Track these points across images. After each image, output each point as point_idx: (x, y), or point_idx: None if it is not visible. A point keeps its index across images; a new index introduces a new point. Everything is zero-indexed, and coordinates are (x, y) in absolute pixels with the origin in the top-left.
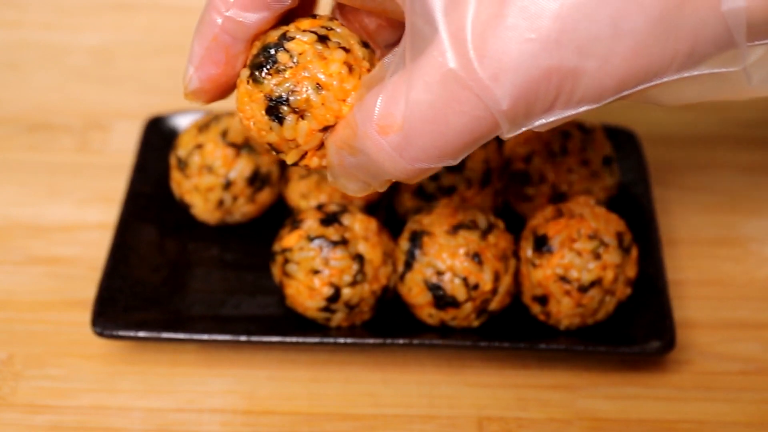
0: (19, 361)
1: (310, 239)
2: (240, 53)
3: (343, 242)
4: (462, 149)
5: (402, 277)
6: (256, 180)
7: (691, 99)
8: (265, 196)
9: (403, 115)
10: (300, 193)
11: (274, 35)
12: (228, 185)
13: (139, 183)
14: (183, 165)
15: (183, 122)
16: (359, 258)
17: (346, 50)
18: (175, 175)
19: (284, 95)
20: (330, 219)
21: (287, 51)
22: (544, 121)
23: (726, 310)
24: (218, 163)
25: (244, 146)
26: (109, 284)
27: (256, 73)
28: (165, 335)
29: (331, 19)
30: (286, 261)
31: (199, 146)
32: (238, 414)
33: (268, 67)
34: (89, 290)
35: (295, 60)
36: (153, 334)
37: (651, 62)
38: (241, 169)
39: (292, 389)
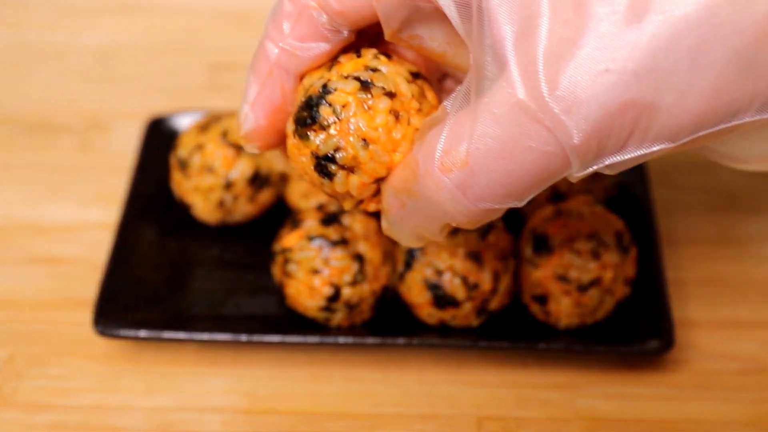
0: (21, 361)
1: (310, 239)
2: (295, 90)
3: (343, 242)
4: (529, 189)
5: (402, 277)
6: (257, 180)
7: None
8: (265, 196)
9: (467, 150)
10: (300, 193)
11: (316, 84)
12: (228, 185)
13: (139, 183)
14: (183, 165)
15: (184, 123)
16: (359, 258)
17: (392, 95)
18: (176, 176)
19: (330, 153)
20: (330, 219)
21: (330, 105)
22: (616, 159)
23: (725, 309)
24: (219, 163)
25: None
26: (110, 284)
27: (300, 128)
28: (166, 335)
29: (377, 54)
30: (286, 261)
31: (200, 146)
32: (238, 413)
33: (311, 123)
34: (90, 290)
35: (338, 114)
36: (154, 333)
37: (731, 99)
38: (242, 169)
39: (293, 388)
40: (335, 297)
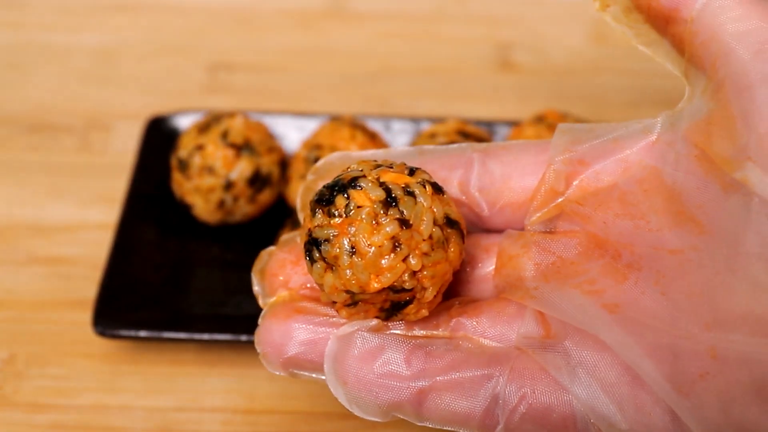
0: (21, 361)
1: None
2: None
3: None
4: None
5: None
6: (257, 181)
7: None
8: (265, 196)
9: None
10: None
11: (353, 172)
12: (229, 186)
13: (140, 183)
14: (184, 166)
15: (184, 123)
16: None
17: (406, 225)
18: (176, 176)
19: (320, 240)
20: None
21: (347, 198)
22: None
23: None
24: (219, 164)
25: (244, 147)
26: (110, 284)
27: (315, 203)
28: (166, 335)
29: (426, 184)
30: None
31: (200, 147)
32: (238, 413)
33: (324, 203)
34: (90, 290)
35: (349, 211)
36: (154, 333)
37: None
38: (242, 169)
39: (293, 388)
40: None
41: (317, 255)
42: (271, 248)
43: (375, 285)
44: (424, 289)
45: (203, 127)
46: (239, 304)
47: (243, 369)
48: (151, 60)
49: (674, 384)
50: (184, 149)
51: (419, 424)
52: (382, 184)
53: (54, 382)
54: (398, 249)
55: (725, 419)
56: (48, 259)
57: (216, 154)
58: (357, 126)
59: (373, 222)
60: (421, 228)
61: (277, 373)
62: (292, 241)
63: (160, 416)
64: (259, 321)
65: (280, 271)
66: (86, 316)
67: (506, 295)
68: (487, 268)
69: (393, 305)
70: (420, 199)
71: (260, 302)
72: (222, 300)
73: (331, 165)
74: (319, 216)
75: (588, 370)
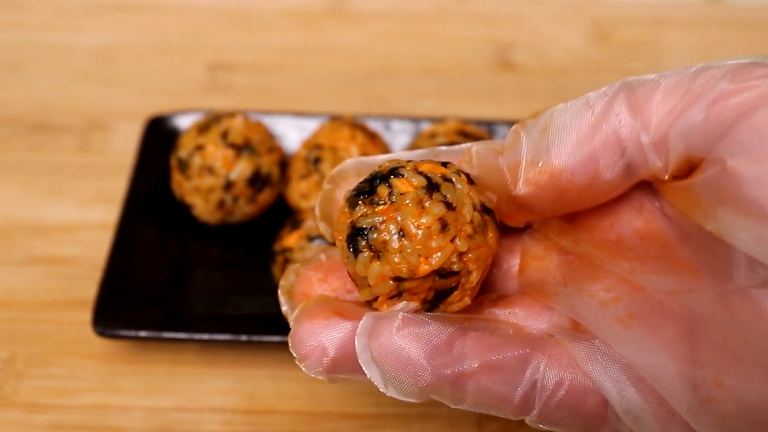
0: (21, 361)
1: (310, 239)
2: None
3: None
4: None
5: None
6: (257, 181)
7: None
8: (265, 196)
9: None
10: (300, 193)
11: (389, 165)
12: (228, 186)
13: (139, 183)
14: (184, 166)
15: (183, 123)
16: None
17: (450, 207)
18: (176, 176)
19: (366, 228)
20: None
21: (389, 186)
22: None
23: None
24: (219, 164)
25: (244, 147)
26: (110, 284)
27: (353, 197)
28: (166, 335)
29: (461, 173)
30: (287, 261)
31: (200, 147)
32: (238, 413)
33: (365, 195)
34: (90, 290)
35: (393, 198)
36: (154, 333)
37: None
38: (242, 170)
39: (293, 388)
40: None
41: (363, 244)
42: (297, 265)
43: (425, 267)
44: (469, 272)
45: (203, 127)
46: (239, 304)
47: (243, 369)
48: (151, 60)
49: (686, 403)
50: (184, 149)
51: (454, 406)
52: (420, 173)
53: (54, 382)
54: (446, 230)
55: None
56: (48, 259)
57: (216, 154)
58: (357, 126)
59: (419, 206)
60: (464, 211)
61: (319, 377)
62: (316, 258)
63: (159, 416)
64: (292, 325)
65: (308, 290)
66: (86, 316)
67: (531, 294)
68: (511, 267)
69: (436, 295)
70: (458, 185)
71: (290, 322)
72: (222, 300)
73: (346, 172)
74: (362, 207)
75: (617, 365)
